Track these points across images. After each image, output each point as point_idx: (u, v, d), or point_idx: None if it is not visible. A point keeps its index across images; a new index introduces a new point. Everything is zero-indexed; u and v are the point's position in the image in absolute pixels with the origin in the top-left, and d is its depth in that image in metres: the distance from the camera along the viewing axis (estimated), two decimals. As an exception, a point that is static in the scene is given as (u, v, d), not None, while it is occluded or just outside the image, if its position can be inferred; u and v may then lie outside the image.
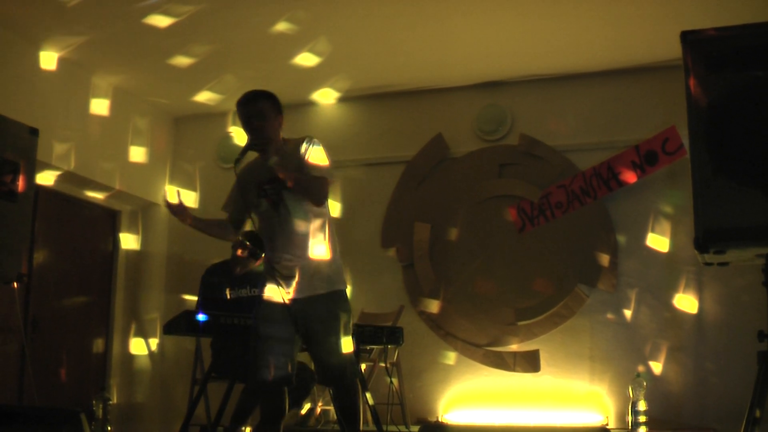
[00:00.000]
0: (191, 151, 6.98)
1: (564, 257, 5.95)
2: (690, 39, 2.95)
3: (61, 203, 6.18)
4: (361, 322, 5.28)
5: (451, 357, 6.08)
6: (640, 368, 5.53)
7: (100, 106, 6.19)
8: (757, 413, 2.80)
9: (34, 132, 4.52)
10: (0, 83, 5.20)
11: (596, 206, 5.91)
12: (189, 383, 5.51)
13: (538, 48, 5.70)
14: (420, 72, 6.19)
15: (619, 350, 5.72)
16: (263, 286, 3.45)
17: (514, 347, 5.95)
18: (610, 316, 5.80)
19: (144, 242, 6.86)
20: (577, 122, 6.12)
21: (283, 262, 3.40)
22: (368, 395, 4.45)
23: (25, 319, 5.61)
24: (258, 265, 5.09)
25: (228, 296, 5.10)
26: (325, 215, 3.48)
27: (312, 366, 3.61)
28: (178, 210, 3.45)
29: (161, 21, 5.18)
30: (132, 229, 6.86)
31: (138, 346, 6.71)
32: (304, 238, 3.39)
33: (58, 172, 5.77)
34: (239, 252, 5.16)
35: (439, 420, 5.91)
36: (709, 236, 2.83)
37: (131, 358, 6.67)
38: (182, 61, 5.81)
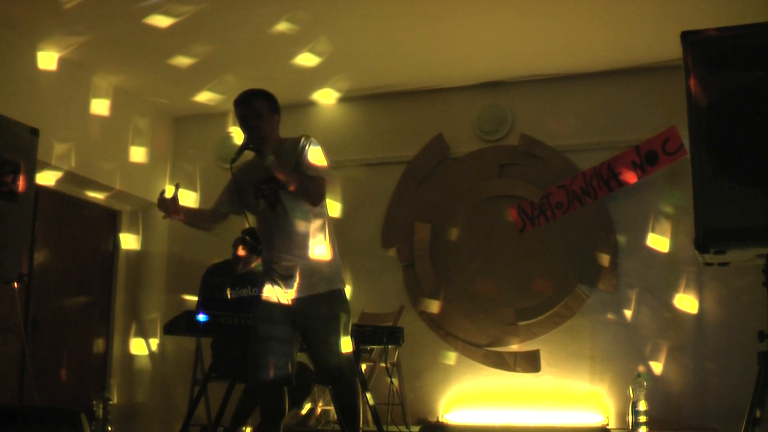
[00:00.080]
0: (192, 151, 6.98)
1: (564, 257, 5.95)
2: (690, 39, 2.95)
3: (62, 203, 6.18)
4: (361, 322, 5.28)
5: (451, 357, 6.08)
6: (641, 368, 5.53)
7: (100, 106, 6.19)
8: (758, 413, 2.80)
9: (34, 132, 4.52)
10: (0, 83, 5.20)
11: (597, 206, 5.91)
12: (189, 383, 5.52)
13: (538, 48, 5.70)
14: (420, 72, 6.19)
15: (619, 350, 5.72)
16: (261, 286, 3.45)
17: (514, 347, 5.95)
18: (610, 316, 5.80)
19: (144, 242, 6.86)
20: (577, 122, 6.12)
21: (282, 262, 3.40)
22: (369, 395, 4.45)
23: (26, 319, 5.61)
24: (259, 263, 5.09)
25: (229, 296, 5.10)
26: (324, 215, 3.48)
27: (312, 366, 3.61)
28: (171, 204, 3.39)
29: (162, 21, 5.18)
30: (132, 229, 6.86)
31: (138, 346, 6.71)
32: (305, 238, 3.39)
33: (58, 172, 5.77)
34: (240, 250, 5.16)
35: (440, 420, 5.91)
36: (709, 236, 2.83)
37: (131, 358, 6.67)
38: (183, 61, 5.81)
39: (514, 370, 5.90)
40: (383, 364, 5.33)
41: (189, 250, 6.76)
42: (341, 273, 3.52)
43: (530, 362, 5.87)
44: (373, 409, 4.45)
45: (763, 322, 2.95)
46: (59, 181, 5.90)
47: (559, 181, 6.00)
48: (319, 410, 5.61)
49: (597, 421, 5.59)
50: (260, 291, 3.45)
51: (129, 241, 6.83)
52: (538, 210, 6.02)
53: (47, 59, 5.66)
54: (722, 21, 3.10)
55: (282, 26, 5.27)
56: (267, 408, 3.43)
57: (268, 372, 3.32)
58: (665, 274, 5.72)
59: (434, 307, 6.12)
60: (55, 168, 5.69)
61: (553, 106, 6.21)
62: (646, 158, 5.73)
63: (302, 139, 3.42)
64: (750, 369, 3.00)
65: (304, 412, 5.56)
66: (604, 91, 6.08)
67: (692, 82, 2.91)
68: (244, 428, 4.81)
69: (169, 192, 3.42)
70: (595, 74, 6.07)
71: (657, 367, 5.60)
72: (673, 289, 5.68)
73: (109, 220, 6.77)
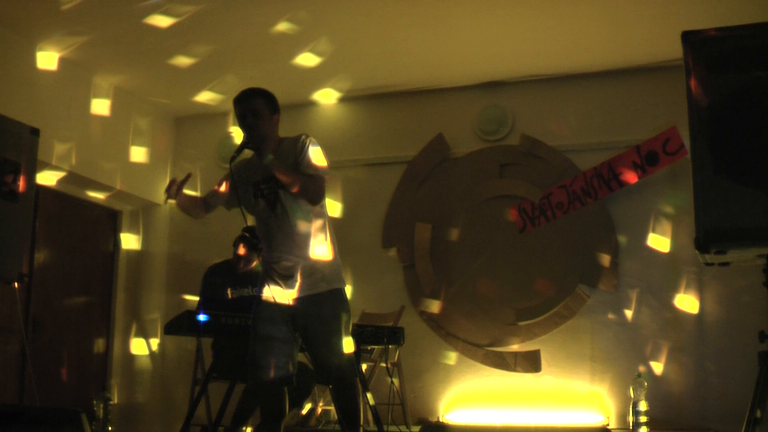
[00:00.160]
0: (192, 151, 6.98)
1: (565, 257, 5.95)
2: (691, 39, 2.96)
3: (62, 203, 6.18)
4: (362, 323, 5.28)
5: (451, 357, 6.08)
6: (641, 368, 5.53)
7: (101, 106, 6.19)
8: (758, 413, 2.80)
9: (35, 132, 4.52)
10: (1, 83, 5.20)
11: (597, 206, 5.91)
12: (190, 383, 5.52)
13: (539, 48, 5.69)
14: (421, 72, 6.19)
15: (619, 350, 5.72)
16: (261, 286, 3.45)
17: (514, 347, 5.95)
18: (610, 316, 5.80)
19: (145, 242, 6.86)
20: (578, 122, 6.11)
21: (282, 262, 3.39)
22: (369, 395, 4.45)
23: (26, 319, 5.61)
24: (260, 262, 5.09)
25: (229, 296, 5.10)
26: (324, 215, 3.48)
27: (312, 366, 3.61)
28: (176, 188, 3.42)
29: (162, 21, 5.18)
30: (133, 229, 6.86)
31: (139, 346, 6.71)
32: (305, 238, 3.39)
33: (59, 172, 5.77)
34: (241, 249, 5.16)
35: (440, 420, 5.91)
36: (709, 236, 2.84)
37: (132, 358, 6.67)
38: (183, 61, 5.81)
39: (514, 370, 5.90)
40: (384, 364, 5.33)
41: (189, 250, 6.76)
42: (342, 273, 3.52)
43: (531, 362, 5.87)
44: (373, 409, 4.45)
45: (763, 323, 2.95)
46: (60, 181, 5.90)
47: (560, 182, 6.00)
48: (319, 410, 5.61)
49: (597, 422, 5.59)
50: (260, 291, 3.45)
51: (129, 241, 6.83)
52: (539, 210, 6.02)
53: (48, 59, 5.66)
54: (722, 21, 3.10)
55: (282, 26, 5.27)
56: (267, 408, 3.43)
57: (269, 372, 3.32)
58: (666, 274, 5.72)
59: (435, 307, 6.12)
60: (56, 168, 5.69)
61: (554, 106, 6.21)
62: (647, 158, 5.73)
63: (302, 138, 3.42)
64: (750, 369, 3.01)
65: (304, 412, 5.56)
66: (605, 91, 6.07)
67: (693, 82, 2.91)
68: (244, 428, 4.81)
69: (180, 177, 3.47)
70: (596, 74, 6.06)
71: (657, 367, 5.60)
72: (673, 289, 5.67)
73: (109, 220, 6.77)
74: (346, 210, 6.34)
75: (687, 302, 5.63)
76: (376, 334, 4.59)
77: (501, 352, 5.96)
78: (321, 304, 3.37)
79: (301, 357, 3.58)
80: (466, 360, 6.04)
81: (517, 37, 5.54)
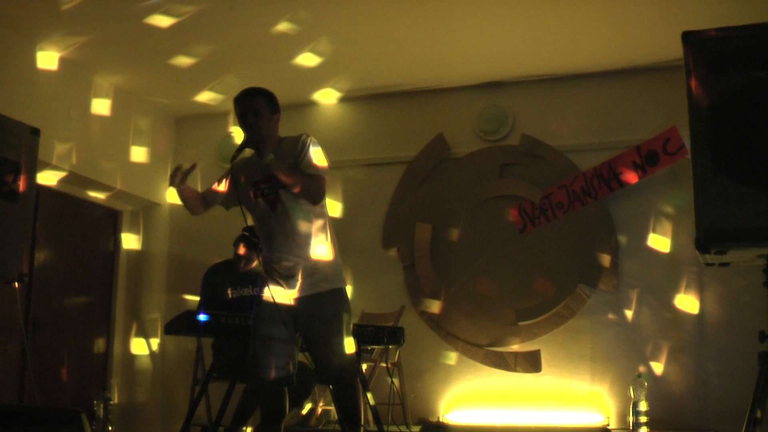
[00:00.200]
0: (192, 151, 6.97)
1: (565, 257, 5.95)
2: (691, 39, 2.96)
3: (63, 203, 6.19)
4: (362, 323, 5.27)
5: (452, 357, 6.08)
6: (641, 369, 5.53)
7: (101, 106, 6.19)
8: (758, 414, 2.80)
9: (35, 132, 4.52)
10: (1, 83, 5.21)
11: (597, 206, 5.91)
12: (190, 383, 5.52)
13: (539, 48, 5.69)
14: (421, 72, 6.19)
15: (620, 350, 5.72)
16: (262, 286, 3.44)
17: (515, 347, 5.95)
18: (611, 316, 5.80)
19: (145, 242, 6.86)
20: (578, 122, 6.11)
21: (283, 262, 3.39)
22: (369, 395, 4.44)
23: (26, 319, 5.62)
24: (260, 262, 5.09)
25: (230, 296, 5.10)
26: (325, 215, 3.48)
27: (313, 366, 3.61)
28: (181, 175, 3.41)
29: (162, 21, 5.18)
30: (133, 229, 6.86)
31: (139, 346, 6.72)
32: (306, 239, 3.38)
33: (59, 172, 5.77)
34: (241, 248, 5.16)
35: (440, 420, 5.91)
36: (710, 237, 2.84)
37: (132, 358, 6.68)
38: (183, 61, 5.81)
39: (514, 370, 5.90)
40: (384, 364, 5.33)
41: (190, 250, 6.76)
42: (343, 272, 3.51)
43: (531, 362, 5.87)
44: (373, 409, 4.45)
45: (763, 323, 2.95)
46: (60, 181, 5.90)
47: (560, 182, 6.00)
48: (319, 410, 5.61)
49: (598, 422, 5.59)
50: (261, 291, 3.44)
51: (130, 241, 6.83)
52: (539, 210, 6.02)
53: (48, 59, 5.66)
54: (722, 21, 3.10)
55: (283, 26, 5.27)
56: (267, 408, 3.43)
57: (270, 372, 3.32)
58: (666, 274, 5.72)
59: (435, 307, 6.12)
60: (56, 168, 5.69)
61: (554, 107, 6.21)
62: (647, 158, 5.73)
63: (302, 138, 3.42)
64: (751, 369, 3.00)
65: (304, 412, 5.56)
66: (605, 91, 6.07)
67: (693, 83, 2.91)
68: (244, 428, 4.81)
69: (187, 165, 3.45)
70: (596, 74, 6.06)
71: (658, 367, 5.60)
72: (673, 289, 5.67)
73: (109, 220, 6.77)
74: (346, 210, 6.34)
75: (687, 302, 5.63)
76: (376, 334, 4.59)
77: (501, 352, 5.96)
78: (322, 304, 3.37)
79: (301, 357, 3.58)
80: (466, 360, 6.04)
81: (517, 37, 5.54)
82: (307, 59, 5.78)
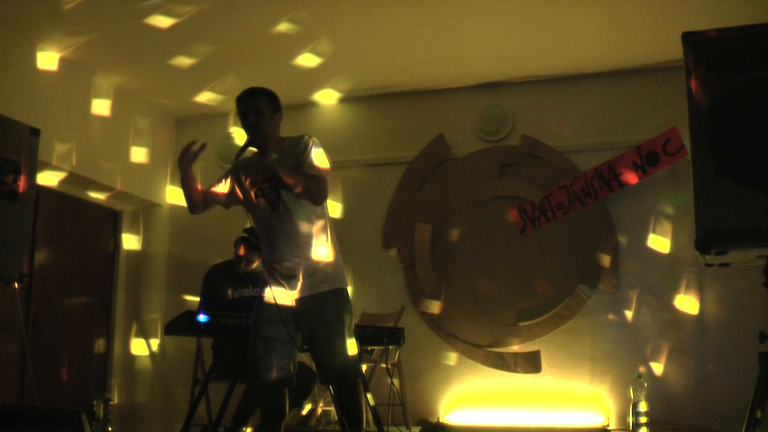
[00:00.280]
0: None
1: (565, 258, 5.95)
2: (691, 40, 2.96)
3: (63, 203, 6.18)
4: (362, 323, 5.28)
5: (452, 358, 6.08)
6: (641, 369, 5.53)
7: (101, 107, 6.19)
8: (758, 414, 2.80)
9: (35, 132, 4.52)
10: (1, 83, 5.20)
11: (597, 207, 5.91)
12: (190, 384, 5.51)
13: (539, 49, 5.70)
14: (421, 73, 6.19)
15: (620, 351, 5.72)
16: (263, 286, 3.44)
17: (515, 348, 5.95)
18: (611, 316, 5.80)
19: (145, 242, 6.86)
20: (578, 123, 6.12)
21: (284, 262, 3.38)
22: (369, 396, 4.44)
23: (26, 319, 5.61)
24: (261, 262, 5.09)
25: (230, 296, 5.10)
26: (326, 216, 3.47)
27: (312, 366, 3.60)
28: (190, 156, 3.42)
29: (163, 21, 5.18)
30: (133, 229, 6.86)
31: (139, 347, 6.71)
32: (307, 239, 3.38)
33: (59, 173, 5.77)
34: (241, 249, 5.17)
35: (440, 421, 5.91)
36: (710, 237, 2.84)
37: (132, 358, 6.67)
38: (184, 61, 5.81)
39: (514, 370, 5.90)
40: (384, 365, 5.33)
41: (190, 251, 6.76)
42: (344, 273, 3.50)
43: (531, 363, 5.87)
44: (373, 409, 4.45)
45: (763, 323, 2.95)
46: (60, 182, 5.90)
47: (560, 182, 6.00)
48: (319, 410, 5.61)
49: (598, 422, 5.59)
50: (261, 291, 3.44)
51: (130, 242, 6.83)
52: (539, 210, 6.02)
53: (48, 59, 5.66)
54: (722, 21, 3.10)
55: (283, 26, 5.27)
56: (268, 408, 3.42)
57: (271, 373, 3.31)
58: (666, 274, 5.72)
59: (435, 307, 6.12)
60: (56, 168, 5.69)
61: (554, 107, 6.21)
62: (647, 159, 5.73)
63: (304, 139, 3.41)
64: (751, 370, 3.00)
65: (304, 412, 5.56)
66: (605, 91, 6.08)
67: (693, 83, 2.91)
68: (244, 429, 4.81)
69: (196, 146, 3.45)
70: (596, 75, 6.06)
71: (658, 367, 5.60)
72: (673, 289, 5.68)
73: (110, 221, 6.77)
74: (347, 210, 6.34)
75: (687, 303, 5.63)
76: (377, 334, 4.59)
77: (501, 353, 5.96)
78: (323, 305, 3.36)
79: (301, 357, 3.58)
80: (466, 360, 6.04)
81: (517, 37, 5.54)
82: (307, 59, 5.78)
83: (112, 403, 5.73)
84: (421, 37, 5.53)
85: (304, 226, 3.37)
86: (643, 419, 5.21)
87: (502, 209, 6.13)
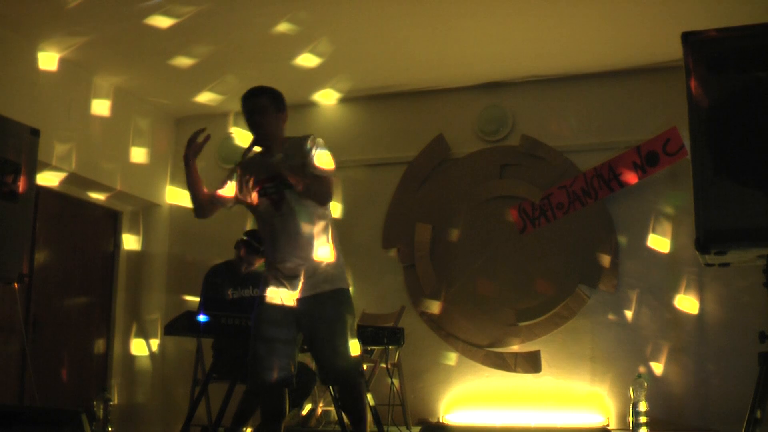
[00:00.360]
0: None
1: (565, 258, 5.95)
2: (691, 40, 2.96)
3: (63, 204, 6.18)
4: (362, 323, 5.28)
5: (452, 358, 6.08)
6: (641, 369, 5.53)
7: (101, 107, 6.19)
8: (758, 414, 2.80)
9: (35, 132, 4.53)
10: (1, 84, 5.20)
11: (597, 207, 5.91)
12: (190, 384, 5.51)
13: (539, 49, 5.70)
14: (421, 73, 6.19)
15: (620, 351, 5.72)
16: (264, 287, 3.44)
17: (515, 348, 5.95)
18: (611, 316, 5.80)
19: (145, 243, 6.86)
20: (578, 123, 6.12)
21: (286, 263, 3.37)
22: (369, 396, 4.44)
23: (26, 319, 5.61)
24: (263, 263, 5.08)
25: (230, 296, 5.10)
26: (327, 217, 3.47)
27: (312, 366, 3.60)
28: (196, 147, 3.45)
29: (162, 21, 5.18)
30: (133, 229, 6.86)
31: (139, 347, 6.71)
32: (309, 240, 3.37)
33: (59, 173, 5.77)
34: (243, 252, 5.16)
35: (440, 421, 5.91)
36: (710, 237, 2.84)
37: (132, 358, 6.67)
38: (183, 61, 5.81)
39: (514, 370, 5.90)
40: (384, 365, 5.33)
41: (190, 251, 6.76)
42: (345, 274, 3.49)
43: (531, 363, 5.87)
44: (373, 409, 4.45)
45: (763, 323, 2.95)
46: (60, 182, 5.90)
47: (560, 182, 6.00)
48: (319, 411, 5.61)
49: (597, 422, 5.59)
50: (263, 291, 3.44)
51: (130, 242, 6.83)
52: (539, 211, 6.02)
53: (48, 59, 5.66)
54: (722, 21, 3.10)
55: (283, 27, 5.28)
56: (268, 409, 3.42)
57: (271, 373, 3.30)
58: (666, 274, 5.72)
59: (435, 307, 6.12)
60: (56, 168, 5.69)
61: (554, 107, 6.21)
62: (647, 159, 5.73)
63: (309, 139, 3.39)
64: (751, 370, 3.00)
65: (304, 412, 5.56)
66: (605, 91, 6.08)
67: (693, 83, 2.91)
68: (244, 429, 4.81)
69: (202, 136, 3.49)
70: (596, 75, 6.06)
71: (658, 367, 5.60)
72: (673, 289, 5.68)
73: (110, 221, 6.77)
74: (347, 210, 6.34)
75: (687, 303, 5.63)
76: (377, 334, 4.60)
77: (501, 353, 5.96)
78: (324, 305, 3.35)
79: (301, 357, 3.58)
80: (466, 360, 6.04)
81: (517, 37, 5.54)
82: (307, 60, 5.78)
83: (112, 403, 5.73)
84: (421, 37, 5.53)
85: (306, 227, 3.36)
86: (643, 419, 5.21)
87: (502, 209, 6.13)
